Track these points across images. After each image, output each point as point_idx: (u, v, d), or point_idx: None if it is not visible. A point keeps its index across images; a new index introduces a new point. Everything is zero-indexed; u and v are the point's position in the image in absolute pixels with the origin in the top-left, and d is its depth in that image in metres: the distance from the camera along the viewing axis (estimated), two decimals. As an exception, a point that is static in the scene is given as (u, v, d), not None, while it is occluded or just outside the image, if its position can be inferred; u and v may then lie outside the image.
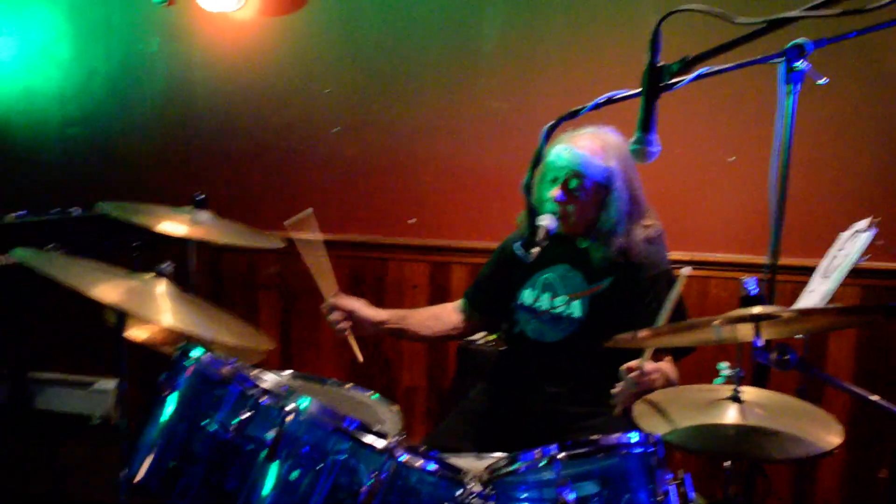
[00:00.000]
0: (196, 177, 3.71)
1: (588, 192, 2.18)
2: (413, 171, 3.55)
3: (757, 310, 1.42)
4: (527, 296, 2.35)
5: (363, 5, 3.50)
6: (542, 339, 2.30)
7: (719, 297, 3.30)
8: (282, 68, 3.61)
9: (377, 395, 2.23)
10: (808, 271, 2.47)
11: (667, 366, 2.12)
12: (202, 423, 1.63)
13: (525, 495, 1.45)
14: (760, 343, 1.41)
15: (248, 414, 1.58)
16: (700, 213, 3.26)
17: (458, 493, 1.45)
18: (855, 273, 2.35)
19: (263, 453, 1.45)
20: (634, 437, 1.45)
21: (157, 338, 2.24)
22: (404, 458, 1.40)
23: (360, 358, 2.32)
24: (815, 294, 2.34)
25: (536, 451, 1.43)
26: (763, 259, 3.09)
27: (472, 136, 3.47)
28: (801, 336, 2.24)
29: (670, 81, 1.76)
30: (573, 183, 2.17)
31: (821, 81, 2.10)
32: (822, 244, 2.52)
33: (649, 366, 1.92)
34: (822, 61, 1.98)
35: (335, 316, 2.27)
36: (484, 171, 3.45)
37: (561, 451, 1.41)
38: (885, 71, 3.11)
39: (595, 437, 1.44)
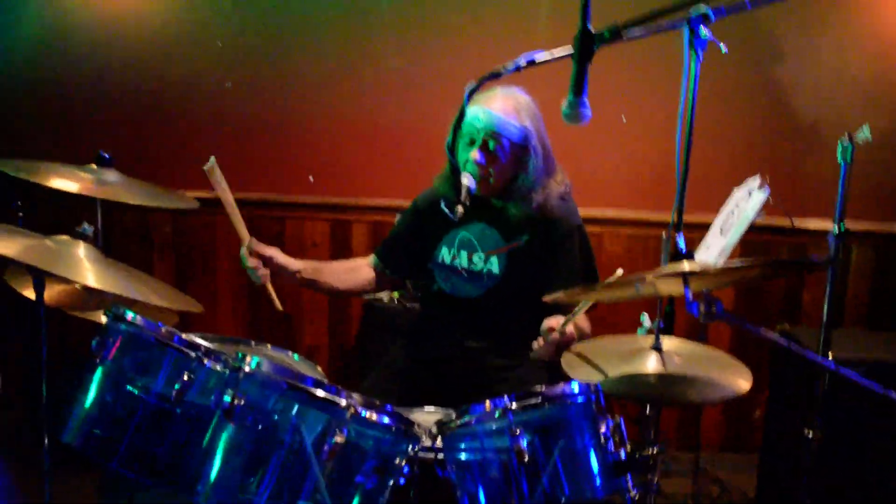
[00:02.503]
0: (74, 136, 3.51)
1: (506, 153, 2.24)
2: (311, 128, 3.51)
3: (688, 266, 1.52)
4: (444, 254, 2.39)
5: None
6: (462, 295, 2.37)
7: (612, 251, 3.48)
8: (168, 20, 3.46)
9: (297, 355, 2.23)
10: (704, 227, 2.64)
11: (579, 319, 2.23)
12: (139, 387, 1.59)
13: (468, 445, 1.51)
14: (690, 297, 1.51)
15: (190, 377, 1.56)
16: (597, 169, 3.40)
17: (412, 446, 1.50)
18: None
19: (217, 415, 1.44)
20: (576, 387, 1.53)
21: (65, 301, 2.15)
22: (365, 413, 1.43)
23: (279, 306, 2.32)
24: (713, 249, 2.50)
25: (486, 403, 1.49)
26: (653, 216, 3.33)
27: (371, 92, 3.45)
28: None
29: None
30: (491, 144, 2.22)
31: (723, 49, 2.24)
32: (716, 202, 2.71)
33: (570, 328, 2.01)
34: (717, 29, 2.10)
35: (252, 262, 2.24)
36: (383, 129, 3.45)
37: (512, 402, 1.47)
38: (772, 42, 3.33)
39: (539, 388, 1.51)
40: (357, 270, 2.51)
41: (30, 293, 1.96)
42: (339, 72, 3.45)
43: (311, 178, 3.54)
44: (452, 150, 1.87)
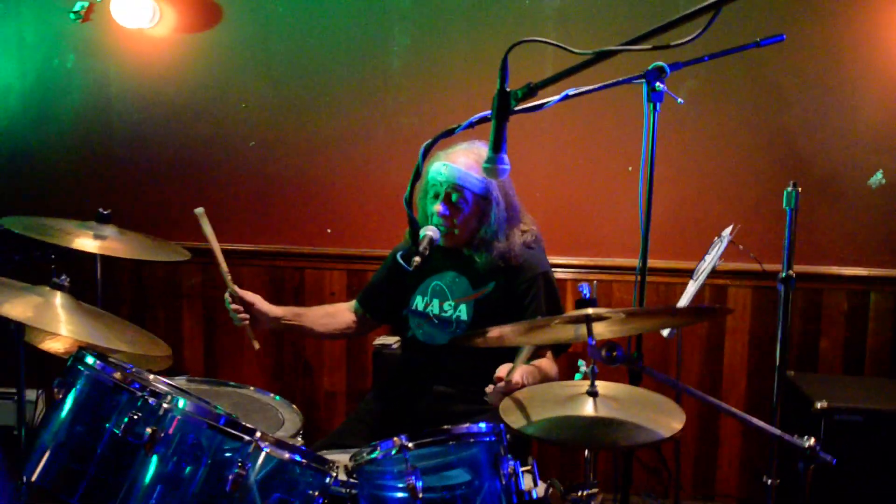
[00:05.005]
0: (112, 191, 3.79)
1: (469, 205, 2.35)
2: (328, 184, 3.69)
3: (590, 310, 1.59)
4: (418, 302, 2.51)
5: (276, 22, 3.63)
6: (432, 341, 2.47)
7: (623, 299, 3.52)
8: (197, 84, 3.72)
9: (278, 396, 2.37)
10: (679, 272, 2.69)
11: (545, 362, 2.30)
12: (95, 425, 1.75)
13: (376, 481, 1.60)
14: (593, 342, 1.58)
15: (137, 415, 1.71)
16: (602, 220, 3.48)
17: (326, 480, 1.60)
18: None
19: (141, 448, 1.58)
20: (483, 426, 1.60)
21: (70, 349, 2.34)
22: (268, 449, 1.54)
23: (257, 346, 2.45)
24: (687, 295, 2.55)
25: (394, 440, 1.58)
26: (662, 263, 3.37)
27: (383, 148, 3.62)
28: (668, 331, 2.43)
29: (539, 102, 1.96)
30: (454, 196, 2.34)
31: (678, 101, 2.32)
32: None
33: (516, 375, 2.08)
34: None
35: (235, 307, 2.40)
36: (394, 184, 3.61)
37: (410, 440, 1.56)
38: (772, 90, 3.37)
39: (447, 426, 1.60)
40: (337, 315, 2.65)
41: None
42: (353, 129, 3.63)
43: (328, 230, 3.73)
44: (410, 203, 1.99)
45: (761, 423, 1.53)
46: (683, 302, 2.46)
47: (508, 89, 1.76)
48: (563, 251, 3.47)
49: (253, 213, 3.75)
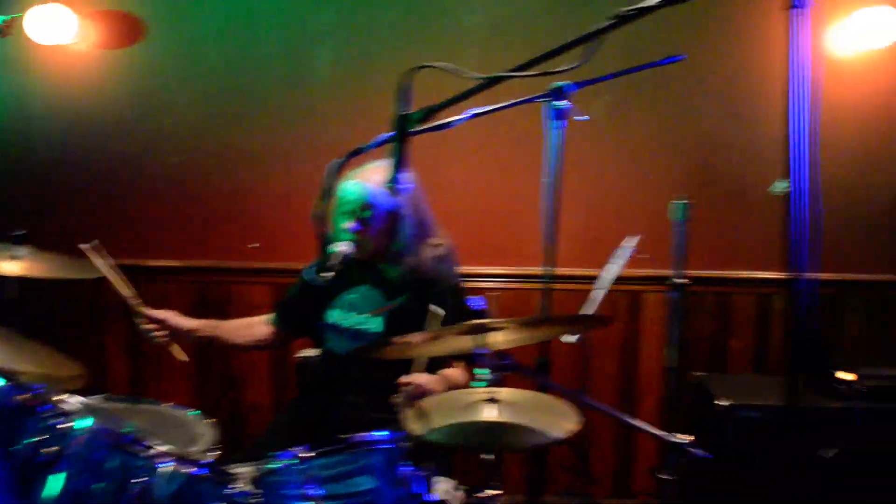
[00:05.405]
0: (34, 211, 3.74)
1: (380, 221, 2.43)
2: (256, 199, 3.72)
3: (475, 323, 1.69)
4: (334, 315, 2.58)
5: (202, 38, 3.65)
6: (347, 353, 2.54)
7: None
8: (121, 100, 3.70)
9: (194, 412, 2.40)
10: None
11: (452, 371, 2.39)
12: (1, 447, 1.78)
13: (290, 492, 1.67)
14: (484, 351, 1.67)
15: (44, 435, 1.74)
16: (523, 231, 3.58)
17: (228, 492, 1.66)
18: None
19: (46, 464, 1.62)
20: (380, 434, 1.68)
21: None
22: (171, 464, 1.60)
23: (185, 357, 2.50)
24: (591, 302, 2.66)
25: (295, 450, 1.65)
26: (581, 271, 3.50)
27: (311, 163, 3.65)
28: (573, 338, 2.54)
29: (445, 121, 2.05)
30: (366, 213, 2.42)
31: (580, 118, 2.43)
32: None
33: (420, 379, 2.16)
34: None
35: (148, 326, 2.44)
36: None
37: (310, 450, 1.63)
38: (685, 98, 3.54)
39: (345, 436, 1.67)
40: (253, 327, 2.71)
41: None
42: (281, 145, 3.65)
43: (256, 245, 3.75)
44: (319, 220, 2.05)
45: (639, 423, 1.63)
46: (588, 309, 2.57)
47: (408, 112, 1.85)
48: (487, 262, 3.58)
49: (180, 229, 3.76)
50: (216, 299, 3.76)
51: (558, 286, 3.36)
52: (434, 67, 1.88)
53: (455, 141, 3.43)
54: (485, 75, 1.80)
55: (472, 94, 1.84)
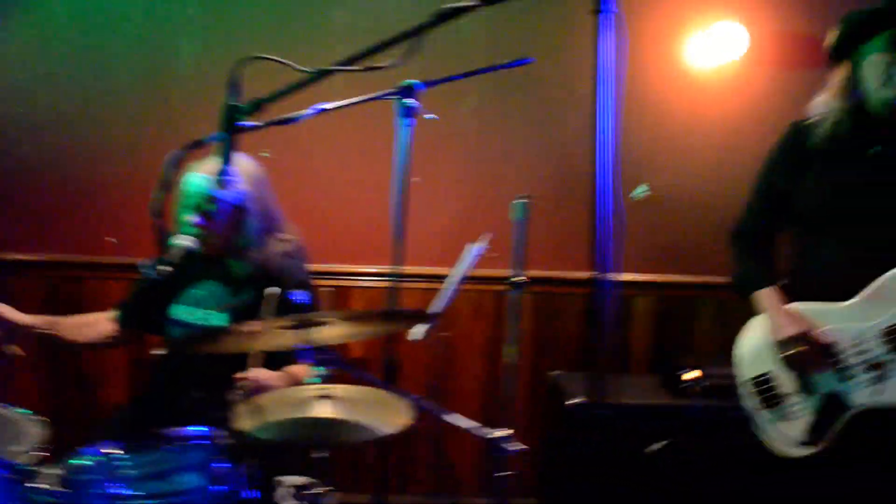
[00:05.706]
0: None
1: (224, 216, 2.39)
2: (115, 192, 3.59)
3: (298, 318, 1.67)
4: (179, 311, 2.51)
5: (56, 27, 3.50)
6: (174, 340, 2.48)
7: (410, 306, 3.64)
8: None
9: (26, 410, 2.29)
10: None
11: (299, 368, 2.37)
12: None
13: (100, 490, 1.61)
14: (306, 347, 1.66)
15: None
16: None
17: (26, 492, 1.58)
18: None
19: None
20: (196, 430, 1.65)
21: None
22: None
23: (20, 352, 2.40)
24: (440, 300, 2.69)
25: (102, 447, 1.59)
26: (446, 270, 3.52)
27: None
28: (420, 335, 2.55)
29: (291, 115, 2.03)
30: (209, 207, 2.36)
31: (428, 117, 2.45)
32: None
33: (260, 376, 2.14)
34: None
35: None
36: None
37: (120, 447, 1.58)
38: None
39: (159, 432, 1.63)
40: (96, 325, 2.61)
41: None
42: (142, 137, 3.53)
43: (113, 239, 3.63)
44: (157, 212, 1.99)
45: (454, 418, 1.66)
46: (437, 307, 2.59)
47: (237, 103, 1.82)
48: (362, 260, 3.56)
49: (32, 222, 3.60)
50: (65, 295, 3.61)
51: (419, 285, 3.45)
52: (266, 59, 1.86)
53: (309, 135, 3.42)
54: (312, 69, 1.79)
55: (303, 86, 1.82)
